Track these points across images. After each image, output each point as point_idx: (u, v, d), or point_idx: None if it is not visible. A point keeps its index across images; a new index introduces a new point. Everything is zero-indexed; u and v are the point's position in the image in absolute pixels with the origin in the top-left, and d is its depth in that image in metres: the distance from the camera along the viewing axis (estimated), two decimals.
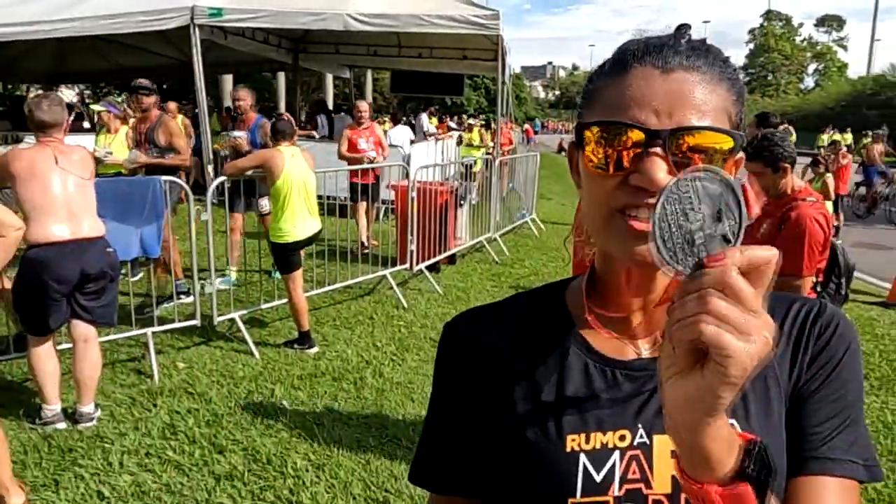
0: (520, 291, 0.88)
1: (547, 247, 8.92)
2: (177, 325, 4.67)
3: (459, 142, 13.73)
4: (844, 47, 59.30)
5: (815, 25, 60.80)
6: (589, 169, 0.68)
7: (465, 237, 7.89)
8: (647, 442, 0.71)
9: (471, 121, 14.79)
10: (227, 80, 16.50)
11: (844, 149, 11.06)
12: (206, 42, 7.44)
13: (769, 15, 59.87)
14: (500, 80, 8.36)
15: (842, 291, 3.06)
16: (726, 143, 0.64)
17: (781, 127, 7.04)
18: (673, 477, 0.68)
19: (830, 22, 59.98)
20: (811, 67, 58.78)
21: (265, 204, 5.51)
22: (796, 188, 2.98)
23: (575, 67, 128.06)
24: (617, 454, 0.71)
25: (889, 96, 34.95)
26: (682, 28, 0.70)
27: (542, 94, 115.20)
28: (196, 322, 4.67)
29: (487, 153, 9.82)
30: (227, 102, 14.65)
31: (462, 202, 7.66)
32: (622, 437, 0.71)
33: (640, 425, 0.71)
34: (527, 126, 32.56)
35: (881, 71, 42.80)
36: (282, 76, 18.34)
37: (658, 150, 0.63)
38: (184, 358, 4.61)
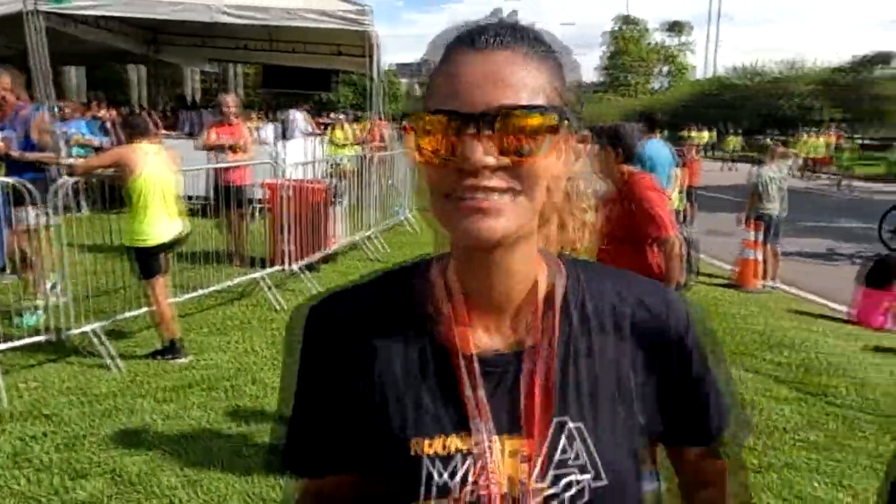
0: (378, 273, 0.84)
1: (424, 242, 9.00)
2: (24, 341, 4.23)
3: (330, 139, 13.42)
4: (692, 51, 64.32)
5: (665, 30, 65.39)
6: (416, 159, 0.69)
7: (341, 235, 7.79)
8: (489, 444, 0.71)
9: (333, 115, 14.41)
10: (80, 72, 15.22)
11: (695, 145, 12.11)
12: (49, 31, 6.80)
13: (625, 19, 63.73)
14: (369, 76, 8.35)
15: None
16: (548, 119, 0.66)
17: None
18: (511, 478, 0.70)
19: (679, 27, 64.75)
20: (663, 69, 63.29)
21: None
22: (629, 172, 3.32)
23: None
24: (459, 457, 0.71)
25: (732, 97, 38.44)
26: (495, 11, 0.72)
27: (418, 92, 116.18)
28: (45, 337, 4.27)
29: (358, 152, 9.72)
30: (76, 97, 13.49)
31: (338, 200, 7.55)
32: (465, 440, 0.71)
33: (482, 427, 0.71)
34: (405, 123, 32.57)
35: (723, 73, 46.88)
36: (138, 69, 17.15)
37: (472, 131, 0.64)
38: (34, 377, 4.20)
